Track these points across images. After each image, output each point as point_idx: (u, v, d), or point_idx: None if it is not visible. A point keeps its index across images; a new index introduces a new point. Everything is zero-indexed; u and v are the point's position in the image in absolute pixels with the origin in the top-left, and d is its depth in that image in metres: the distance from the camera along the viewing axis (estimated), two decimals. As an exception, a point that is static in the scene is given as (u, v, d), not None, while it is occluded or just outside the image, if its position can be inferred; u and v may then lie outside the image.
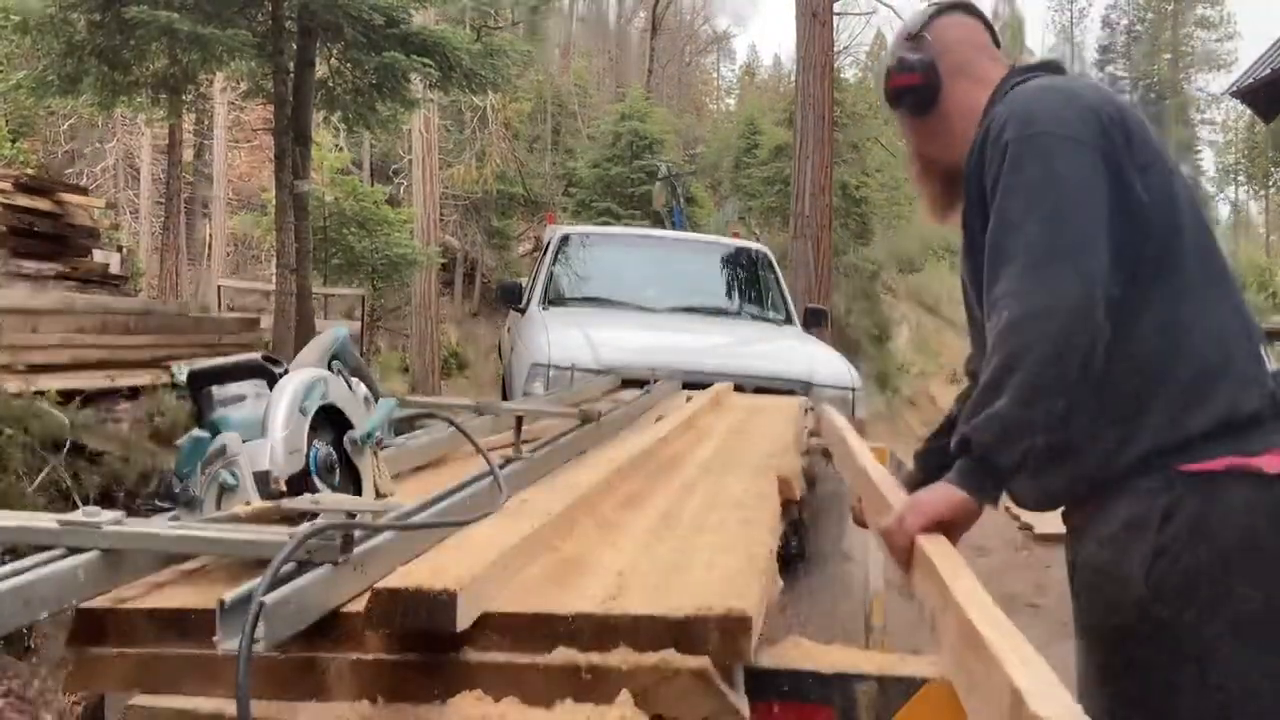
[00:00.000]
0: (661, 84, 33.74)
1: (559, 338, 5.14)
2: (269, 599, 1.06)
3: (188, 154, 20.01)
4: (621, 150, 20.60)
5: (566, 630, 1.17)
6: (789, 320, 6.61)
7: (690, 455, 2.61)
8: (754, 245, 7.69)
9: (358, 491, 1.71)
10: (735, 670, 1.20)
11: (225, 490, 1.51)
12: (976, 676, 1.00)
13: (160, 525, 1.43)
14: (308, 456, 1.58)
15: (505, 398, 5.82)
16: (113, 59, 7.86)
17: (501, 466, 1.84)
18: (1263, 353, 1.58)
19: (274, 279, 9.51)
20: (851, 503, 2.04)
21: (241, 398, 1.68)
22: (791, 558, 3.26)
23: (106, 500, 4.68)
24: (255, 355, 1.75)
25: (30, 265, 6.87)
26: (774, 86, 41.93)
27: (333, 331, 1.97)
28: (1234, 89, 12.64)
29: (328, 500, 1.50)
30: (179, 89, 9.28)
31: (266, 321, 9.21)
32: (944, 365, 22.57)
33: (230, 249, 21.77)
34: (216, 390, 1.68)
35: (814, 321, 6.76)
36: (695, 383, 4.32)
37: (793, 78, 13.31)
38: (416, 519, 1.44)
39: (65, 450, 4.76)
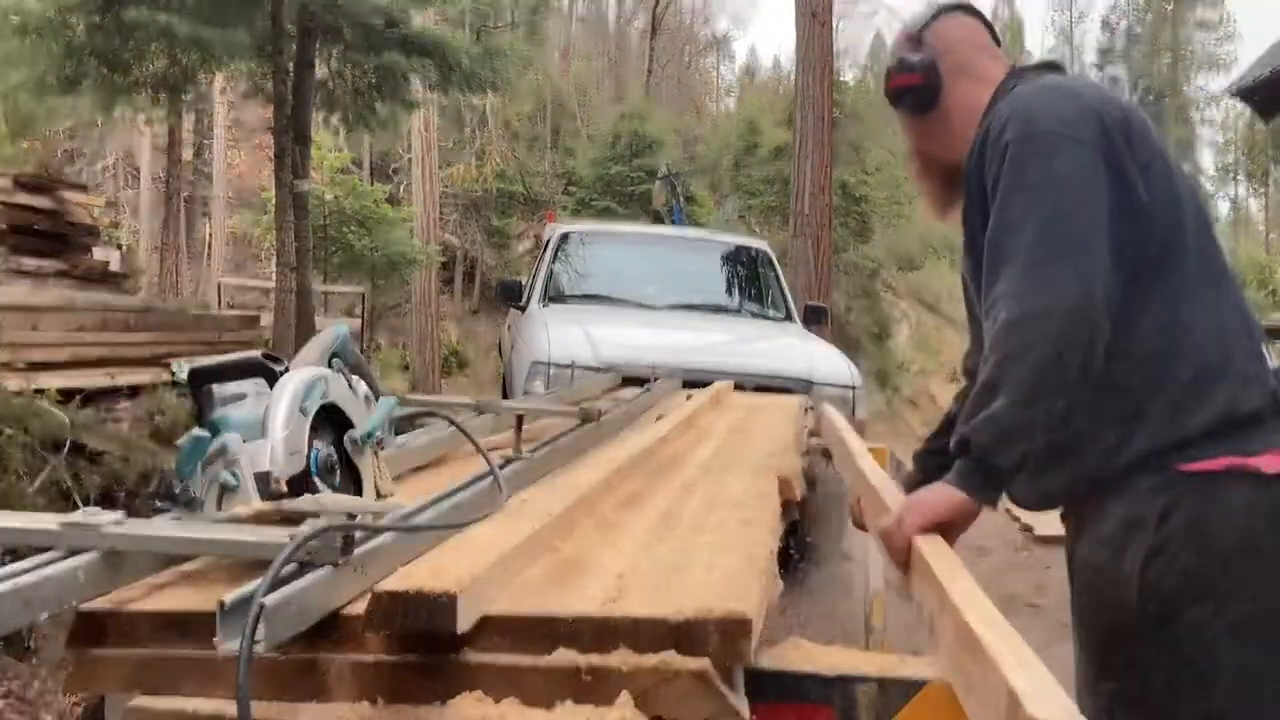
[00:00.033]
0: (661, 84, 33.71)
1: (559, 335, 5.14)
2: (269, 600, 1.05)
3: (187, 153, 20.00)
4: (621, 150, 20.60)
5: (566, 631, 1.18)
6: (789, 318, 6.60)
7: (690, 455, 2.61)
8: (754, 243, 7.68)
9: (358, 492, 1.71)
10: (735, 671, 1.20)
11: (226, 491, 1.50)
12: (974, 678, 1.00)
13: (161, 526, 1.43)
14: (308, 457, 1.58)
15: (506, 396, 5.82)
16: (112, 61, 7.86)
17: (502, 466, 1.84)
18: (1264, 351, 1.58)
19: (274, 277, 9.50)
20: (851, 504, 2.04)
21: (242, 396, 1.67)
22: (791, 558, 3.26)
23: (107, 500, 4.68)
24: (256, 353, 1.75)
25: (30, 263, 6.87)
26: (774, 87, 41.89)
27: (333, 330, 1.96)
28: (1233, 88, 12.64)
29: (328, 501, 1.50)
30: (178, 89, 9.27)
31: (266, 319, 9.22)
32: (944, 364, 22.59)
33: (230, 247, 21.77)
34: (217, 388, 1.67)
35: (814, 319, 6.76)
36: (695, 380, 4.32)
37: (792, 78, 13.29)
38: (417, 520, 1.44)
39: (65, 450, 4.76)
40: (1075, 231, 1.47)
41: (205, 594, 1.30)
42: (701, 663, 1.13)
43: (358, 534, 1.27)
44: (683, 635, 1.16)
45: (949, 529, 1.47)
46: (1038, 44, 59.23)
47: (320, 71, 8.56)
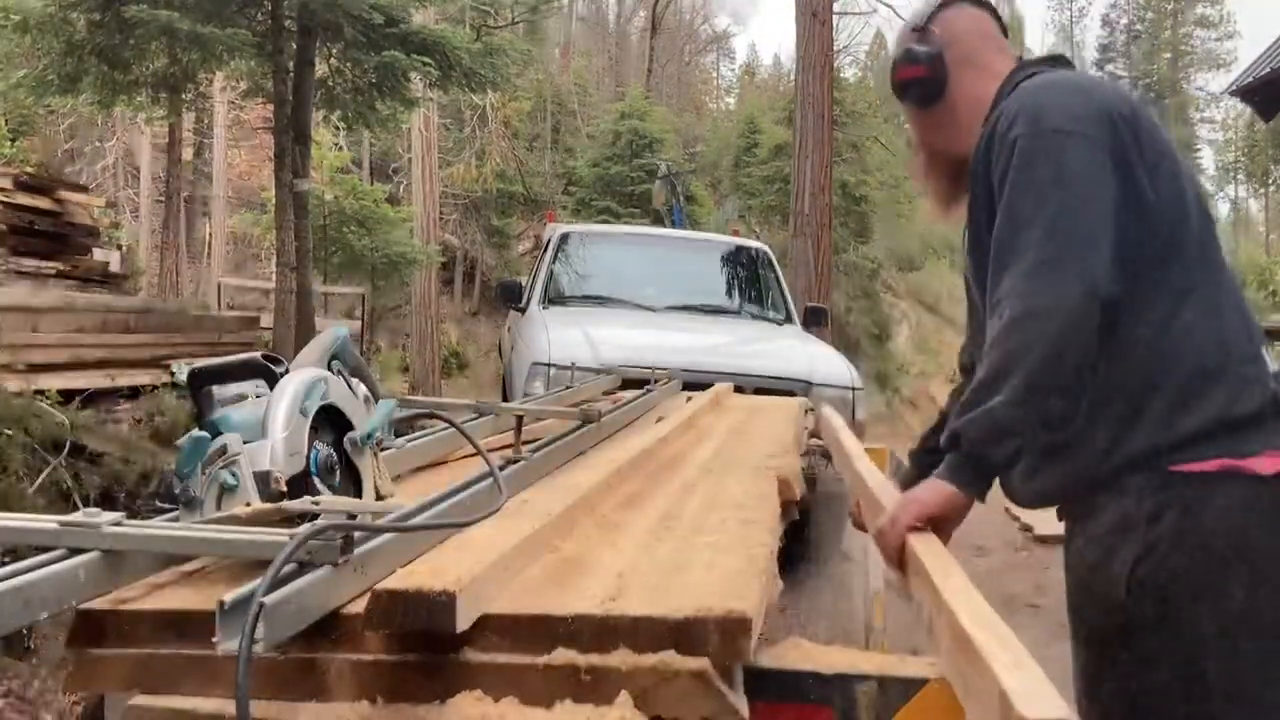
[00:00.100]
0: (661, 83, 33.72)
1: (559, 336, 5.14)
2: (269, 600, 1.05)
3: (187, 153, 20.01)
4: (621, 149, 20.61)
5: (566, 631, 1.17)
6: (789, 319, 6.60)
7: (690, 456, 2.61)
8: (754, 244, 7.68)
9: (358, 492, 1.71)
10: (735, 671, 1.20)
11: (225, 491, 1.50)
12: (970, 678, 1.00)
13: (160, 526, 1.43)
14: (308, 457, 1.58)
15: (505, 397, 5.82)
16: (112, 58, 7.86)
17: (502, 467, 1.84)
18: (1264, 353, 1.58)
19: (274, 277, 9.51)
20: (850, 506, 2.05)
21: (242, 397, 1.67)
22: (792, 559, 3.26)
23: (107, 501, 4.69)
24: (256, 354, 1.75)
25: (30, 263, 6.88)
26: (774, 86, 41.93)
27: (333, 331, 1.96)
28: (1234, 88, 12.64)
29: (328, 501, 1.50)
30: (179, 88, 9.28)
31: (266, 320, 9.22)
32: (944, 365, 22.59)
33: (230, 247, 21.77)
34: (217, 389, 1.68)
35: (814, 320, 6.76)
36: (695, 382, 4.32)
37: (792, 77, 13.30)
38: (417, 520, 1.43)
39: (65, 451, 4.76)
40: (1082, 229, 1.46)
41: (205, 594, 1.30)
42: (701, 662, 1.13)
43: (357, 534, 1.27)
44: (682, 634, 1.16)
45: (941, 523, 1.47)
46: (1038, 41, 59.28)
47: (320, 70, 8.56)
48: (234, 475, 1.50)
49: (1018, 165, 1.52)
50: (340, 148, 17.80)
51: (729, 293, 6.97)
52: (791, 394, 4.56)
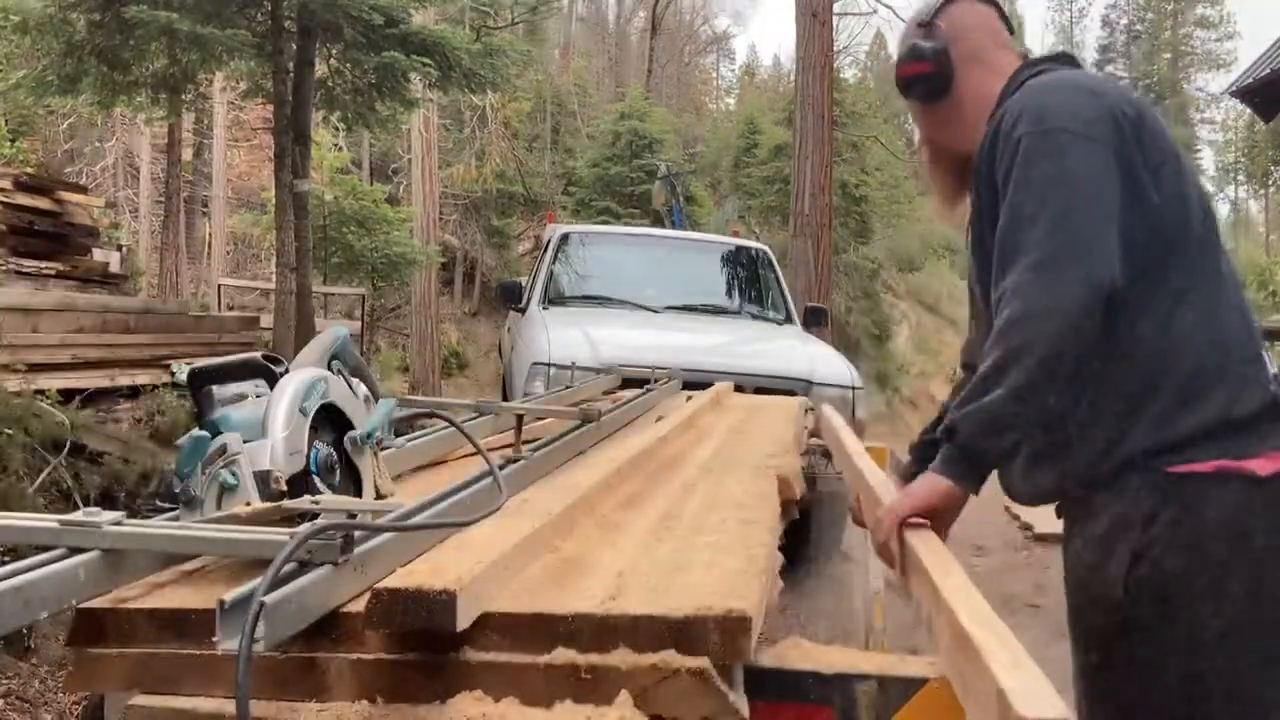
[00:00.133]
0: (661, 84, 33.72)
1: (559, 336, 5.14)
2: (269, 599, 1.05)
3: (187, 153, 20.00)
4: (621, 150, 20.61)
5: (566, 630, 1.18)
6: (789, 319, 6.61)
7: (690, 455, 2.61)
8: (754, 244, 7.69)
9: (358, 492, 1.71)
10: (735, 670, 1.20)
11: (226, 490, 1.51)
12: (969, 677, 1.00)
13: (161, 525, 1.43)
14: (308, 457, 1.58)
15: (505, 397, 5.82)
16: (112, 59, 7.86)
17: (502, 467, 1.84)
18: (1264, 354, 1.58)
19: (274, 278, 9.50)
20: (850, 503, 2.05)
21: (242, 397, 1.68)
22: (791, 558, 3.26)
23: (107, 500, 4.69)
24: (255, 354, 1.75)
25: (30, 264, 6.87)
26: (774, 86, 41.93)
27: (333, 331, 1.97)
28: (1234, 88, 12.64)
29: (328, 501, 1.50)
30: (179, 89, 9.27)
31: (266, 320, 9.22)
32: (944, 365, 22.61)
33: (230, 248, 21.76)
34: (217, 389, 1.68)
35: (814, 320, 6.77)
36: (695, 382, 4.32)
37: (792, 77, 13.30)
38: (417, 519, 1.43)
39: (65, 450, 4.77)
40: (1085, 230, 1.46)
41: (205, 593, 1.30)
42: (701, 661, 1.13)
43: (357, 533, 1.27)
44: (682, 634, 1.16)
45: (937, 515, 1.47)
46: (1038, 41, 59.26)
47: (320, 70, 8.56)
48: (234, 475, 1.50)
49: (1021, 164, 1.52)
50: (340, 148, 17.79)
51: (729, 293, 6.97)
52: (792, 393, 4.57)
